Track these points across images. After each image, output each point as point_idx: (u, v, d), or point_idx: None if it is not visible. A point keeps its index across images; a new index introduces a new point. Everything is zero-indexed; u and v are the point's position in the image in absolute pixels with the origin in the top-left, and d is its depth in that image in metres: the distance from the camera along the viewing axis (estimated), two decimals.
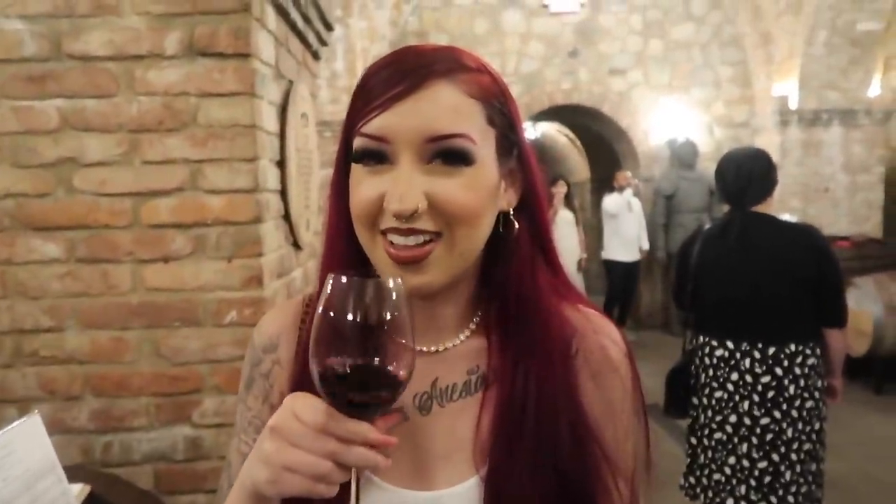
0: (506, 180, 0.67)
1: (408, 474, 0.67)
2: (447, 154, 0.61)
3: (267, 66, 1.88)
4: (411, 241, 0.61)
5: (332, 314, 0.55)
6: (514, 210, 0.69)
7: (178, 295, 1.78)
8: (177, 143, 1.76)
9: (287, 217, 2.06)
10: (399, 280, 0.56)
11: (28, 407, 1.67)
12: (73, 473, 1.30)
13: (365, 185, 0.63)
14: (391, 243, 0.62)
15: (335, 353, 0.55)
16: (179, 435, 1.81)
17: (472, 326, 0.71)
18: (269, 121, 1.91)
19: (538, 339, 0.67)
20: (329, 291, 0.56)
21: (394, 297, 0.56)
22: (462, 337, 0.70)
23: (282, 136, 2.03)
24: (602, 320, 0.73)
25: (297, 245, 2.18)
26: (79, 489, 1.25)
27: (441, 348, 0.70)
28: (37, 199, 1.76)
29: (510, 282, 0.68)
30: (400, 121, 0.60)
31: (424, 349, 0.69)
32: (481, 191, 0.63)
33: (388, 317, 0.55)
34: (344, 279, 0.55)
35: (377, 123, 0.61)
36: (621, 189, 6.71)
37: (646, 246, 6.91)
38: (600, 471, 0.66)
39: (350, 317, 0.54)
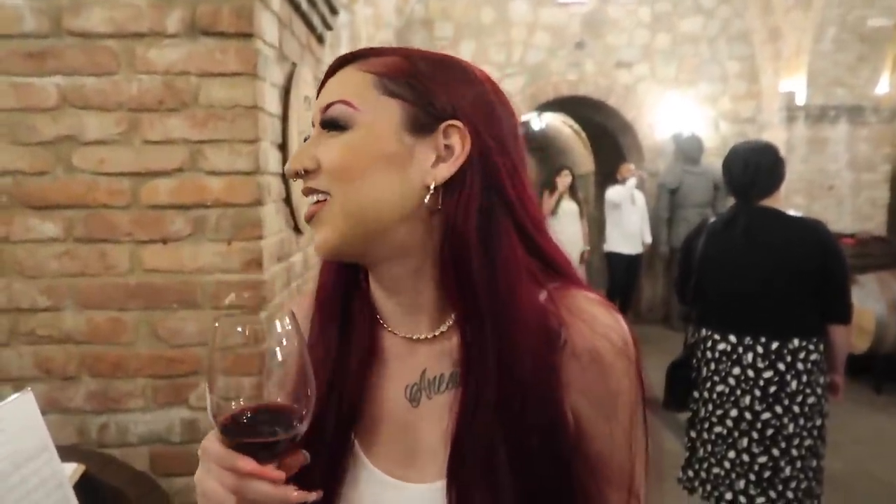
0: (438, 156, 0.64)
1: (400, 465, 0.67)
2: (328, 118, 0.66)
3: (270, 48, 1.86)
4: (311, 199, 0.67)
5: (218, 355, 0.59)
6: (452, 186, 0.64)
7: (176, 277, 1.77)
8: (177, 123, 1.74)
9: (288, 200, 2.05)
10: (286, 317, 0.60)
11: (24, 386, 1.66)
12: (68, 453, 1.29)
13: None
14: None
15: (224, 394, 0.58)
16: (176, 417, 1.79)
17: (454, 316, 0.67)
18: (272, 103, 1.89)
19: (502, 332, 0.62)
20: (218, 332, 0.60)
21: (277, 331, 0.59)
22: (445, 326, 0.67)
23: (284, 118, 2.00)
24: (596, 306, 0.65)
25: (297, 229, 2.17)
26: (73, 469, 1.24)
27: (422, 336, 0.68)
28: (35, 177, 1.74)
29: (453, 263, 0.64)
30: (316, 104, 0.69)
31: (408, 336, 0.69)
32: (359, 152, 0.64)
33: (277, 355, 0.59)
34: (229, 320, 0.60)
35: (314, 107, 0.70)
36: (624, 181, 6.67)
37: (648, 239, 6.88)
38: (582, 478, 0.62)
39: (230, 358, 0.59)
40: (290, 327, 0.59)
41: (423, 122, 0.65)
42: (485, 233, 0.63)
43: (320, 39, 2.56)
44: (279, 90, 1.98)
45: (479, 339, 0.62)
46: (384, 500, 0.66)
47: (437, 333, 0.68)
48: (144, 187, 1.75)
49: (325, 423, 0.66)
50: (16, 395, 0.99)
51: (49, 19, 1.71)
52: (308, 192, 0.67)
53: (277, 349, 0.59)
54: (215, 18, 1.71)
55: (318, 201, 0.66)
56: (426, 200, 0.64)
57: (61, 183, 1.74)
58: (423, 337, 0.68)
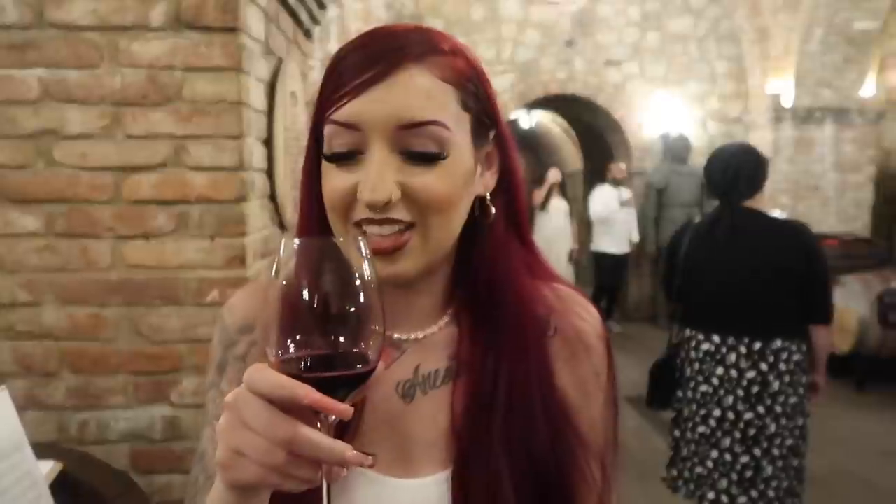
0: (482, 164, 0.66)
1: (391, 461, 0.65)
2: (419, 142, 0.59)
3: (255, 42, 1.84)
4: (386, 230, 0.60)
5: (291, 286, 0.49)
6: (494, 193, 0.68)
7: (158, 273, 1.75)
8: (161, 117, 1.72)
9: (273, 197, 2.03)
10: (361, 240, 0.52)
11: (2, 382, 1.64)
12: (47, 451, 1.28)
13: (337, 175, 0.60)
14: (365, 233, 0.60)
15: (297, 333, 0.49)
16: (157, 414, 1.78)
17: (451, 312, 0.69)
18: (257, 98, 1.87)
19: (510, 323, 0.66)
20: (286, 258, 0.50)
21: (363, 267, 0.50)
22: (442, 323, 0.69)
23: (269, 114, 1.99)
24: (577, 298, 0.72)
25: (282, 226, 2.15)
26: (50, 467, 1.23)
27: (421, 335, 0.68)
28: (15, 170, 1.72)
29: (483, 266, 0.67)
30: (371, 107, 0.58)
31: (404, 337, 0.68)
32: (456, 178, 0.61)
33: (357, 290, 0.50)
34: (300, 242, 0.50)
35: (348, 110, 0.59)
36: (616, 183, 6.67)
37: (636, 238, 6.91)
38: (576, 455, 0.65)
39: (310, 291, 0.49)
40: (365, 257, 0.51)
41: (481, 132, 0.64)
42: (507, 234, 0.68)
43: (308, 34, 2.54)
44: (265, 85, 1.96)
45: (492, 331, 0.65)
46: (377, 499, 0.64)
47: (433, 331, 0.68)
48: (127, 182, 1.73)
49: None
50: None
51: (31, 11, 1.69)
52: (384, 222, 0.59)
53: (348, 283, 0.50)
54: (200, 12, 1.69)
55: (400, 231, 0.60)
56: (492, 212, 0.66)
57: (42, 177, 1.72)
58: (412, 337, 0.68)
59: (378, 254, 0.59)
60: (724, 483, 2.31)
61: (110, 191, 1.73)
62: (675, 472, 2.49)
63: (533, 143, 10.64)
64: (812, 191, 6.98)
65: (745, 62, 7.39)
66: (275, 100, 2.00)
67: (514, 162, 0.68)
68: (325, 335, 0.50)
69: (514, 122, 8.96)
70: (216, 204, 1.74)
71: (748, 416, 2.27)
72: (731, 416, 2.29)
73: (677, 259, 2.50)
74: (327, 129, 0.61)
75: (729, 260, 2.32)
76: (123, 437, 1.77)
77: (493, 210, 0.66)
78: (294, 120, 2.25)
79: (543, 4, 7.35)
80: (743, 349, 2.27)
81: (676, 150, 6.99)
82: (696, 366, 2.38)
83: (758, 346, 2.26)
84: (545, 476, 0.63)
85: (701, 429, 2.37)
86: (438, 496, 0.62)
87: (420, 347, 0.68)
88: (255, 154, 1.86)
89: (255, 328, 0.71)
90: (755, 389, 2.26)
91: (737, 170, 2.32)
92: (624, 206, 6.65)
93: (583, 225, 7.62)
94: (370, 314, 0.50)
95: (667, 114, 7.45)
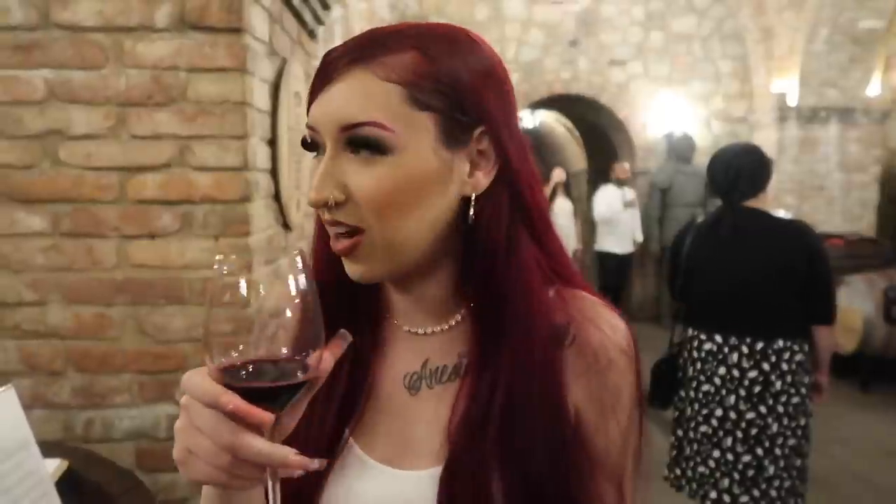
0: (470, 164, 0.62)
1: (390, 451, 0.66)
2: (356, 143, 0.59)
3: (260, 43, 1.85)
4: (339, 230, 0.61)
5: (224, 300, 0.52)
6: (488, 193, 0.63)
7: (163, 272, 1.76)
8: (165, 118, 1.73)
9: (277, 197, 2.04)
10: (297, 255, 0.54)
11: (8, 381, 1.65)
12: (53, 449, 1.29)
13: (312, 175, 0.62)
14: (333, 233, 0.62)
15: (229, 347, 0.52)
16: (162, 413, 1.79)
17: (464, 311, 0.68)
18: (261, 98, 1.88)
19: (515, 330, 0.62)
20: (219, 279, 0.52)
21: (289, 275, 0.53)
22: (453, 321, 0.68)
23: (273, 114, 2.00)
24: (602, 308, 0.67)
25: (286, 226, 2.16)
26: (56, 465, 1.24)
27: (429, 331, 0.68)
28: (22, 170, 1.73)
29: (482, 267, 0.64)
30: (321, 110, 0.60)
31: (413, 331, 0.69)
32: (402, 181, 0.59)
33: (289, 303, 0.52)
34: (230, 265, 0.53)
35: (310, 113, 0.62)
36: (619, 183, 6.67)
37: (640, 238, 6.90)
38: (582, 475, 0.63)
39: (247, 301, 0.52)
40: (301, 271, 0.53)
41: (457, 133, 0.61)
42: (511, 235, 0.64)
43: (312, 35, 2.55)
44: (269, 86, 1.97)
45: (496, 334, 0.63)
46: (374, 487, 0.65)
47: (444, 328, 0.68)
48: (132, 182, 1.74)
49: (316, 410, 0.65)
50: None
51: (37, 12, 1.70)
52: (335, 224, 0.61)
53: (285, 294, 0.52)
54: (204, 13, 1.70)
55: (348, 233, 0.61)
56: (470, 213, 0.62)
57: (48, 177, 1.73)
58: (428, 331, 0.68)
59: (337, 253, 0.62)
60: (726, 482, 2.31)
61: (115, 191, 1.74)
62: (677, 472, 2.49)
63: (537, 143, 10.63)
64: (817, 191, 6.96)
65: (749, 62, 7.38)
66: (279, 100, 2.01)
67: (514, 160, 0.64)
68: (263, 345, 0.52)
69: None
70: (220, 204, 1.75)
71: (750, 415, 2.27)
72: (732, 415, 2.29)
73: (680, 258, 2.50)
74: (306, 130, 0.64)
75: (731, 259, 2.33)
76: (128, 435, 1.79)
77: (472, 212, 0.63)
78: (298, 120, 2.26)
79: (547, 4, 7.35)
80: (745, 349, 2.27)
81: (680, 150, 6.98)
82: (699, 365, 2.38)
83: (760, 345, 2.26)
84: (544, 495, 0.61)
85: (703, 428, 2.37)
86: (426, 492, 0.62)
87: (431, 342, 0.68)
88: (260, 154, 1.87)
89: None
90: (757, 389, 2.26)
91: (738, 169, 2.32)
92: (628, 207, 6.64)
93: (586, 225, 7.62)
94: (305, 325, 0.53)
95: (671, 113, 7.44)
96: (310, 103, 0.62)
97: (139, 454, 1.79)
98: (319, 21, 2.55)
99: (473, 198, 0.63)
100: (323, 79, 0.61)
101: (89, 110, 1.72)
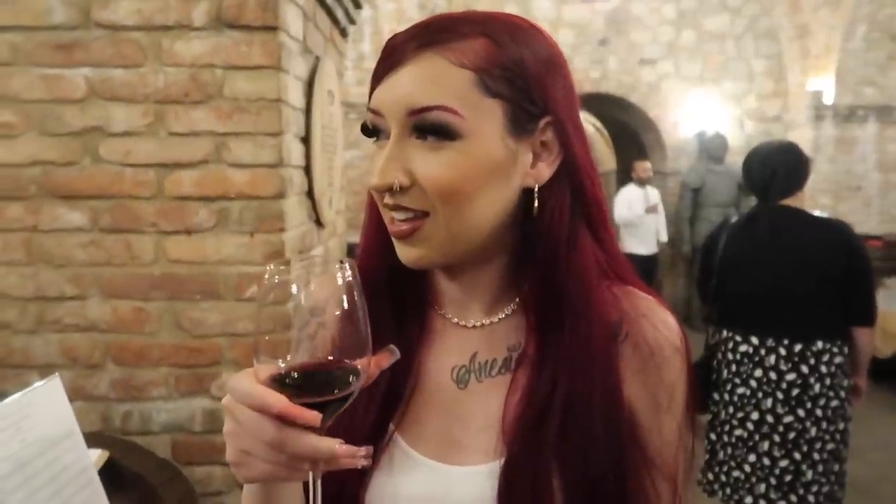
0: (534, 155, 0.62)
1: (439, 446, 0.65)
2: (424, 128, 0.58)
3: (294, 41, 1.87)
4: (401, 215, 0.61)
5: (274, 304, 0.52)
6: (551, 185, 0.62)
7: (199, 268, 1.78)
8: (202, 115, 1.75)
9: (310, 194, 2.06)
10: (346, 265, 0.53)
11: (50, 373, 1.69)
12: (93, 440, 1.31)
13: (375, 160, 0.62)
14: (391, 217, 0.62)
15: (276, 351, 0.52)
16: (198, 407, 1.81)
17: (515, 304, 0.67)
18: (295, 96, 1.90)
19: (574, 323, 0.62)
20: (269, 282, 0.52)
21: (339, 283, 0.53)
22: (503, 314, 0.67)
23: (307, 111, 2.01)
24: (656, 305, 0.66)
25: (319, 222, 2.18)
26: (98, 455, 1.26)
27: (478, 324, 0.68)
28: (63, 167, 1.77)
29: (541, 261, 0.63)
30: (387, 94, 0.60)
31: (462, 323, 0.68)
32: (470, 168, 0.58)
33: (337, 307, 0.52)
34: (282, 268, 0.53)
35: (374, 97, 0.61)
36: (641, 182, 6.57)
37: (664, 238, 6.78)
38: (639, 471, 0.62)
39: (293, 309, 0.52)
40: (350, 279, 0.53)
41: (524, 122, 0.60)
42: (573, 229, 0.63)
43: (343, 33, 2.57)
44: (303, 83, 1.99)
45: (553, 328, 0.62)
46: (423, 483, 0.64)
47: (493, 321, 0.67)
48: (169, 179, 1.77)
49: (359, 402, 0.63)
50: (44, 381, 1.00)
51: (78, 11, 1.73)
52: (397, 208, 0.60)
53: (336, 302, 0.52)
54: (240, 11, 1.72)
55: (412, 218, 0.60)
56: (534, 205, 0.62)
57: (88, 173, 1.77)
58: (477, 324, 0.68)
59: (395, 237, 0.62)
60: (762, 487, 2.27)
61: (153, 187, 1.77)
62: (711, 476, 2.44)
63: None
64: (854, 191, 6.81)
65: (783, 60, 7.24)
66: (312, 97, 2.02)
67: (577, 152, 0.63)
68: (311, 350, 0.52)
69: None
70: (255, 200, 1.77)
71: (788, 419, 2.22)
72: (769, 419, 2.24)
73: (713, 259, 2.45)
74: (367, 115, 0.63)
75: (768, 259, 2.28)
76: (165, 428, 1.81)
77: (536, 204, 0.62)
78: (331, 118, 2.28)
79: (576, 3, 7.30)
80: (783, 351, 2.23)
81: (713, 149, 6.88)
82: (734, 367, 2.34)
83: (798, 347, 2.21)
84: (601, 492, 0.60)
85: (738, 432, 2.32)
86: (481, 488, 0.61)
87: (479, 335, 0.68)
88: (294, 151, 1.88)
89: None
90: (795, 392, 2.21)
91: (775, 167, 2.28)
92: (649, 212, 6.50)
93: (613, 224, 7.53)
94: (354, 332, 0.53)
95: (702, 113, 7.33)
96: (373, 88, 0.62)
97: (175, 447, 1.82)
98: (351, 20, 2.56)
99: (536, 189, 0.62)
100: (389, 63, 0.60)
101: (128, 108, 1.75)
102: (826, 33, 6.59)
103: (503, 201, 0.62)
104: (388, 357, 0.58)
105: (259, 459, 0.52)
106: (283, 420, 0.50)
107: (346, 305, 0.52)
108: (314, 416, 0.51)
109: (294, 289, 0.52)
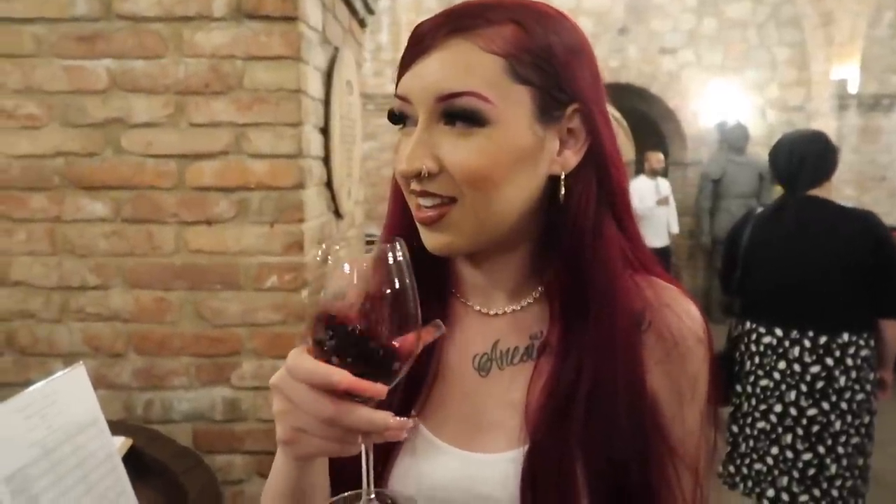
0: (560, 142, 0.62)
1: (461, 433, 0.65)
2: (453, 114, 0.58)
3: (314, 31, 1.86)
4: (427, 202, 0.61)
5: (326, 284, 0.53)
6: (577, 173, 0.62)
7: (219, 258, 1.79)
8: (222, 106, 1.76)
9: (329, 184, 2.06)
10: (397, 245, 0.54)
11: (74, 362, 1.71)
12: (116, 428, 1.32)
13: (401, 146, 0.62)
14: (418, 203, 0.62)
15: (331, 327, 0.52)
16: (218, 396, 1.83)
17: (538, 292, 0.67)
18: (314, 86, 1.89)
19: (599, 311, 0.61)
20: (321, 261, 0.54)
21: (391, 264, 0.53)
22: (525, 302, 0.67)
23: (326, 102, 2.01)
24: (679, 295, 0.66)
25: (338, 213, 2.18)
26: (121, 442, 1.27)
27: (500, 311, 0.68)
28: (86, 158, 1.78)
29: (566, 249, 0.63)
30: (416, 80, 0.60)
31: (484, 311, 0.68)
32: (499, 154, 0.58)
33: (388, 287, 0.53)
34: (336, 248, 0.54)
35: (402, 83, 0.61)
36: (653, 174, 6.47)
37: (675, 230, 6.67)
38: (662, 460, 0.61)
39: (348, 289, 0.53)
40: (400, 257, 0.54)
41: (551, 109, 0.60)
42: (598, 218, 0.63)
43: (362, 24, 2.56)
44: (322, 74, 1.98)
45: (578, 316, 0.62)
46: (446, 469, 0.64)
47: (515, 309, 0.67)
48: (190, 169, 1.77)
49: None
50: (69, 369, 1.01)
51: (100, 3, 1.74)
52: (424, 194, 0.60)
53: (385, 279, 0.53)
54: (260, 2, 1.72)
55: (439, 205, 0.60)
56: (560, 192, 0.61)
57: (110, 164, 1.78)
58: (493, 312, 0.68)
59: (421, 223, 0.62)
60: (784, 481, 2.24)
61: (174, 178, 1.78)
62: (732, 469, 2.42)
63: None
64: (878, 181, 6.69)
65: (807, 48, 7.12)
66: (331, 88, 2.02)
67: (604, 140, 0.63)
68: (362, 326, 0.52)
69: None
70: (275, 191, 1.77)
71: (812, 412, 2.19)
72: (793, 411, 2.22)
73: (737, 249, 2.43)
74: (394, 102, 0.63)
75: (794, 250, 2.25)
76: (186, 416, 1.83)
77: (563, 191, 0.62)
78: (349, 108, 2.27)
79: None
80: (807, 343, 2.20)
81: (734, 140, 6.78)
82: (757, 359, 2.31)
83: (823, 339, 2.18)
84: (625, 480, 0.60)
85: (761, 424, 2.30)
86: (504, 475, 0.61)
87: (501, 323, 0.68)
88: (313, 142, 1.88)
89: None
90: (819, 385, 2.18)
91: (802, 157, 2.24)
92: (661, 205, 6.42)
93: None
94: (403, 308, 0.53)
95: (724, 102, 7.23)
96: (400, 75, 0.62)
97: (196, 435, 1.83)
98: (370, 10, 2.55)
99: (563, 177, 0.62)
100: (418, 49, 0.60)
101: (149, 99, 1.76)
102: (851, 20, 6.46)
103: (530, 188, 0.62)
104: (432, 332, 0.58)
105: (314, 436, 0.52)
106: (348, 394, 0.51)
107: (396, 284, 0.53)
108: (381, 389, 0.51)
109: (346, 267, 0.53)
